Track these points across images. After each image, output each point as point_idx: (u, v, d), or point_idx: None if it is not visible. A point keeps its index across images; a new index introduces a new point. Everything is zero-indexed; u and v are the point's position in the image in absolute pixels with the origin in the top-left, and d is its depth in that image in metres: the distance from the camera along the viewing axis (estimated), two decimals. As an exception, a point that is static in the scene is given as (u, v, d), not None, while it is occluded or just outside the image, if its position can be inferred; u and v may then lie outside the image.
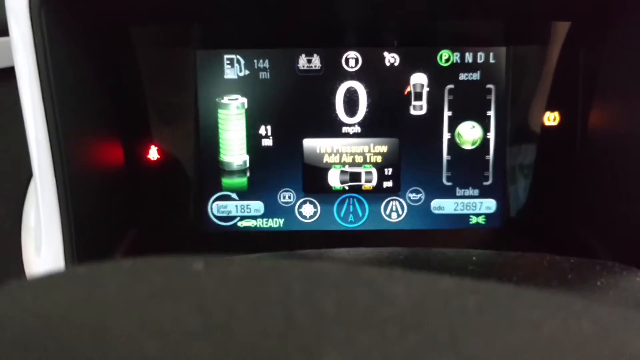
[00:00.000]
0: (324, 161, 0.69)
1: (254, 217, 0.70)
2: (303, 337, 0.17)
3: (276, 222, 0.70)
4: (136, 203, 0.69)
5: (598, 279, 0.39)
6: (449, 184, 0.70)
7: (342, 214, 0.70)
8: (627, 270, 0.43)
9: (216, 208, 0.70)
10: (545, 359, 0.17)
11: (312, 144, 0.69)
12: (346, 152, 0.69)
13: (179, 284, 0.20)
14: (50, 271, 0.22)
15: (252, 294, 0.19)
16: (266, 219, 0.70)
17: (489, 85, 0.68)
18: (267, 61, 0.67)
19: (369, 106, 0.68)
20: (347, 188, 0.70)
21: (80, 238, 0.55)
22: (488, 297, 0.21)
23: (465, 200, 0.70)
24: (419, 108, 0.68)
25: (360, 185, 0.70)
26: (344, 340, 0.17)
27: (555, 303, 0.21)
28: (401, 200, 0.70)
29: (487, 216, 0.70)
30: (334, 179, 0.69)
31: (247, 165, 0.69)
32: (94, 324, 0.17)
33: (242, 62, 0.67)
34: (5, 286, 0.20)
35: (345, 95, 0.68)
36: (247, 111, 0.68)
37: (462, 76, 0.68)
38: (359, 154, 0.69)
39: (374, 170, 0.69)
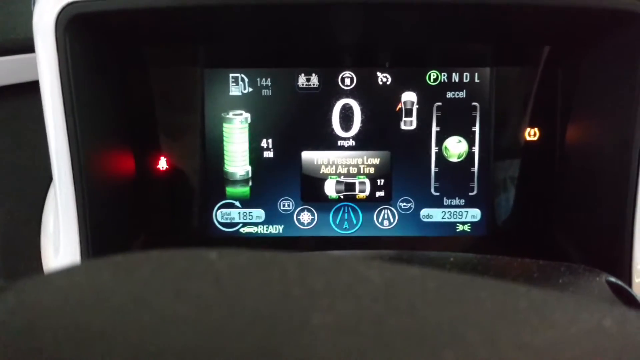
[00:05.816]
0: (321, 172, 0.73)
1: (256, 224, 0.74)
2: (296, 305, 0.22)
3: (276, 229, 0.74)
4: (146, 210, 0.72)
5: (561, 277, 0.44)
6: (437, 194, 0.74)
7: (337, 221, 0.75)
8: (590, 271, 0.47)
9: (220, 215, 0.75)
10: (481, 324, 0.22)
11: (310, 156, 0.73)
12: (341, 164, 0.73)
13: (199, 267, 0.25)
14: (93, 259, 0.27)
15: (256, 275, 0.24)
16: (267, 226, 0.74)
17: (474, 103, 0.72)
18: (269, 79, 0.71)
19: (362, 122, 0.72)
20: (342, 197, 0.74)
21: (96, 241, 0.58)
22: (446, 282, 0.26)
23: (452, 210, 0.74)
24: (409, 123, 0.72)
25: (355, 195, 0.74)
26: (327, 308, 0.22)
27: (500, 288, 0.26)
28: (392, 208, 0.74)
29: (473, 224, 0.75)
30: (330, 189, 0.74)
31: (250, 175, 0.73)
32: (136, 295, 0.22)
33: (246, 80, 0.71)
34: (63, 268, 0.25)
35: (341, 112, 0.72)
36: (250, 125, 0.72)
37: (449, 94, 0.72)
38: (354, 165, 0.73)
39: (367, 181, 0.73)
